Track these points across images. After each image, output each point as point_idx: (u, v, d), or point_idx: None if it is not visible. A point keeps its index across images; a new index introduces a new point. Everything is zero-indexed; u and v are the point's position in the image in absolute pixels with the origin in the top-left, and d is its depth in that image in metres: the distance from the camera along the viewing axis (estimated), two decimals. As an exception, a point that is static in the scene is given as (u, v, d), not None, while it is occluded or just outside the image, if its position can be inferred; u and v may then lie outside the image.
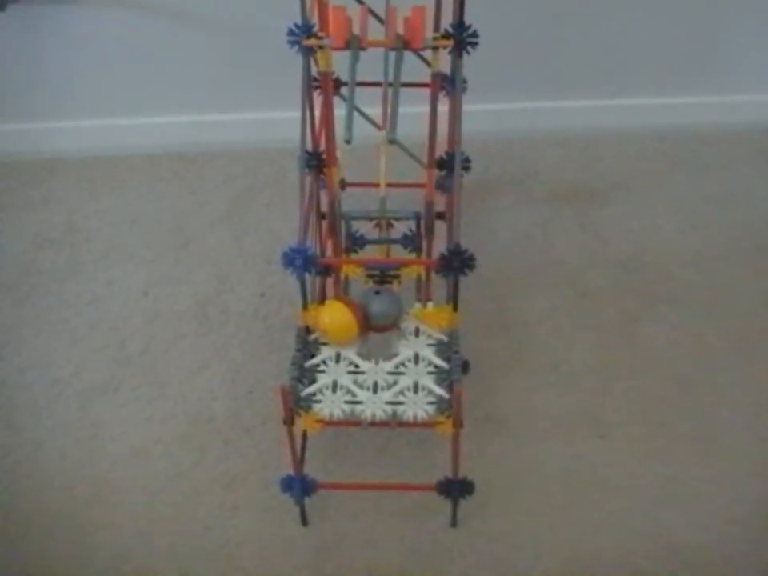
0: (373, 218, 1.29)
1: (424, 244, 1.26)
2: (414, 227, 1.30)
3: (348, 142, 0.95)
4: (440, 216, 1.27)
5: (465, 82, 1.17)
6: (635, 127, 1.75)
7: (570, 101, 1.73)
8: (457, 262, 1.10)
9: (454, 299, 1.16)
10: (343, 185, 1.33)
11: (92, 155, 1.73)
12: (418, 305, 1.22)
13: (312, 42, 1.05)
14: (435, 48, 1.04)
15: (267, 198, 1.66)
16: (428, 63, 1.10)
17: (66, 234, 1.62)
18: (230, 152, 1.73)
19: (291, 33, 1.07)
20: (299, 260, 1.09)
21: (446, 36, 1.06)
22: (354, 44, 1.01)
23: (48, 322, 1.49)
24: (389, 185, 1.24)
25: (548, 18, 1.62)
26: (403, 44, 1.01)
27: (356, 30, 1.03)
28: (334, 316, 1.17)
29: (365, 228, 1.32)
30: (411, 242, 1.29)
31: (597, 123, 1.74)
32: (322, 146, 1.19)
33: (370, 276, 1.25)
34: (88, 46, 1.62)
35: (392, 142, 0.97)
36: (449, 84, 1.18)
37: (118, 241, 1.60)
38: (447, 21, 1.08)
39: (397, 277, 1.24)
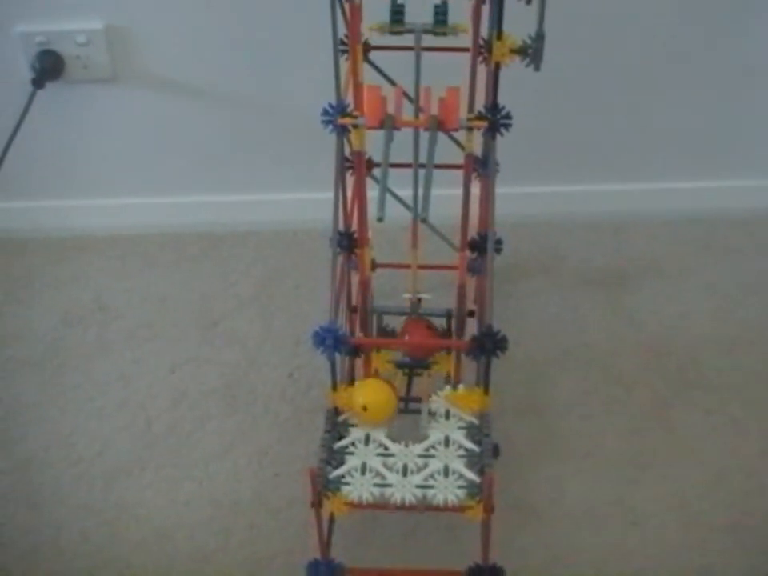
0: (403, 314, 1.29)
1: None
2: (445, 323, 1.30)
3: (380, 219, 0.95)
4: (470, 314, 1.27)
5: (497, 164, 1.17)
6: (667, 211, 1.74)
7: (601, 185, 1.73)
8: (489, 344, 1.09)
9: (485, 382, 1.14)
10: (373, 265, 1.33)
11: (122, 233, 1.74)
12: (448, 387, 1.21)
13: (347, 120, 1.06)
14: (469, 129, 1.04)
15: (296, 278, 1.65)
16: (460, 145, 1.10)
17: (94, 311, 1.62)
18: (259, 232, 1.74)
19: (325, 112, 1.07)
20: (330, 339, 1.09)
21: (480, 117, 1.06)
22: (389, 123, 1.02)
23: (74, 401, 1.48)
24: (419, 266, 1.24)
25: (578, 103, 1.63)
26: (437, 124, 1.02)
27: (390, 110, 1.04)
28: (377, 393, 1.16)
29: (395, 322, 1.32)
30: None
31: (627, 207, 1.74)
32: (353, 227, 1.20)
33: (400, 367, 1.24)
34: (122, 124, 1.64)
35: (424, 221, 0.97)
36: (481, 166, 1.18)
37: (146, 319, 1.60)
38: (479, 102, 1.08)
39: (427, 367, 1.22)
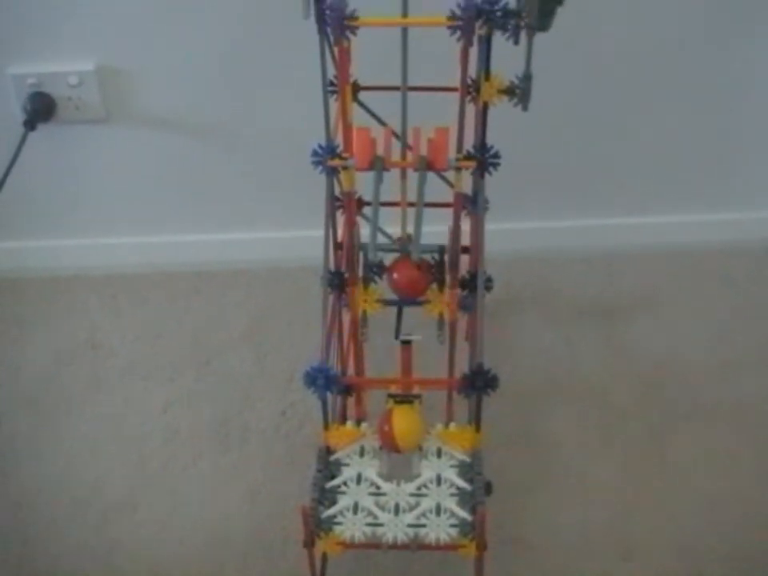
0: (393, 251, 1.22)
1: (448, 358, 1.25)
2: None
3: (372, 261, 0.96)
4: (465, 250, 1.22)
5: (486, 201, 1.18)
6: (659, 244, 1.75)
7: (592, 219, 1.74)
8: (480, 382, 1.10)
9: (476, 419, 1.15)
10: (364, 299, 1.33)
11: (115, 271, 1.74)
12: (440, 425, 1.21)
13: (336, 162, 1.06)
14: (458, 169, 1.05)
15: (289, 315, 1.66)
16: (450, 183, 1.11)
17: (87, 349, 1.62)
18: (251, 270, 1.74)
19: (315, 153, 1.08)
20: (321, 379, 1.09)
21: (469, 157, 1.07)
22: (378, 165, 1.02)
23: (67, 439, 1.48)
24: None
25: (568, 139, 1.64)
26: (427, 165, 1.02)
27: (380, 151, 1.04)
28: (410, 419, 1.15)
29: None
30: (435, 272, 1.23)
31: (619, 241, 1.74)
32: (344, 266, 1.20)
33: (392, 396, 1.22)
34: (113, 164, 1.65)
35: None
36: (471, 204, 1.19)
37: (140, 357, 1.60)
38: (468, 139, 1.09)
39: (418, 396, 1.22)
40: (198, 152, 1.63)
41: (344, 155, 1.06)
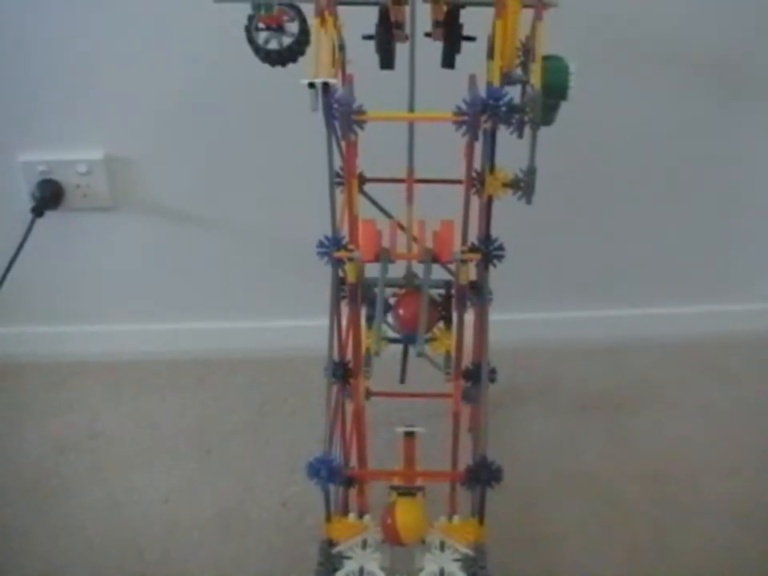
0: (400, 286, 1.15)
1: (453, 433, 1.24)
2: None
3: (377, 353, 0.95)
4: (472, 285, 1.16)
5: (490, 293, 1.18)
6: (662, 335, 1.76)
7: (595, 310, 1.75)
8: (484, 475, 1.09)
9: (480, 513, 1.13)
10: (368, 394, 1.33)
11: (118, 359, 1.74)
12: (443, 518, 1.19)
13: (342, 254, 1.06)
14: (463, 261, 1.05)
15: (291, 405, 1.65)
16: (454, 275, 1.11)
17: (88, 438, 1.61)
18: (254, 359, 1.74)
19: (321, 245, 1.08)
20: (324, 470, 1.08)
21: (473, 249, 1.07)
22: (384, 257, 1.03)
23: (65, 528, 1.46)
24: (412, 395, 1.24)
25: (572, 231, 1.65)
26: (432, 257, 1.03)
27: (385, 243, 1.05)
28: (413, 512, 1.13)
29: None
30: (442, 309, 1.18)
31: (622, 332, 1.75)
32: (348, 356, 1.20)
33: (394, 488, 1.21)
34: (119, 252, 1.66)
35: (420, 355, 0.98)
36: (475, 295, 1.19)
37: (141, 446, 1.59)
38: (473, 230, 1.09)
39: (421, 489, 1.21)
40: (204, 241, 1.65)
41: (350, 247, 1.06)
